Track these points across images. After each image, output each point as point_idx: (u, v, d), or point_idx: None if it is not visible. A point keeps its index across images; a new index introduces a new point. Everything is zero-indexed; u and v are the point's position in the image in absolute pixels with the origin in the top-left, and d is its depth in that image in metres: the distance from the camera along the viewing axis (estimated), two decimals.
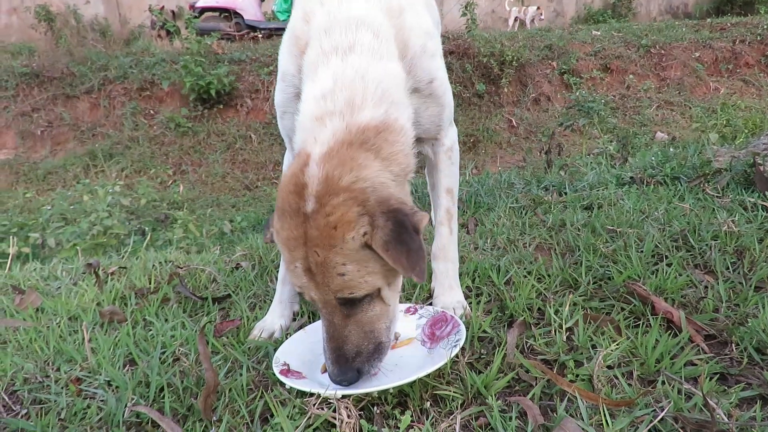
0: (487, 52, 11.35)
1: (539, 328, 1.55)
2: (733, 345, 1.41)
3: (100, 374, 1.50)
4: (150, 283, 2.25)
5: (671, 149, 3.62)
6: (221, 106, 10.66)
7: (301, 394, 1.30)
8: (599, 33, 13.50)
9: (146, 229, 6.07)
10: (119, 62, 11.20)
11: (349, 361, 1.27)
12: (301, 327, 1.67)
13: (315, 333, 1.58)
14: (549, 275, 1.89)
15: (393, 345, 1.50)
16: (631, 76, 11.99)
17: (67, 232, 4.73)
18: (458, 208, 2.84)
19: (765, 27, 12.94)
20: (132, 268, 2.47)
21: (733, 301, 1.62)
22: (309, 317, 1.80)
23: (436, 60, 1.61)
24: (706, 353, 1.38)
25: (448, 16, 13.30)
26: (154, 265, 2.46)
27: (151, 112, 10.65)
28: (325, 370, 1.44)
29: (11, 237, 4.28)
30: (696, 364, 1.33)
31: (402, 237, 1.19)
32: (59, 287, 2.29)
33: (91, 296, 2.08)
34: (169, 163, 9.72)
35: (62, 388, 1.47)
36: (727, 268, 1.82)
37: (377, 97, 1.34)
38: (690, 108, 11.16)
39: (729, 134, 7.27)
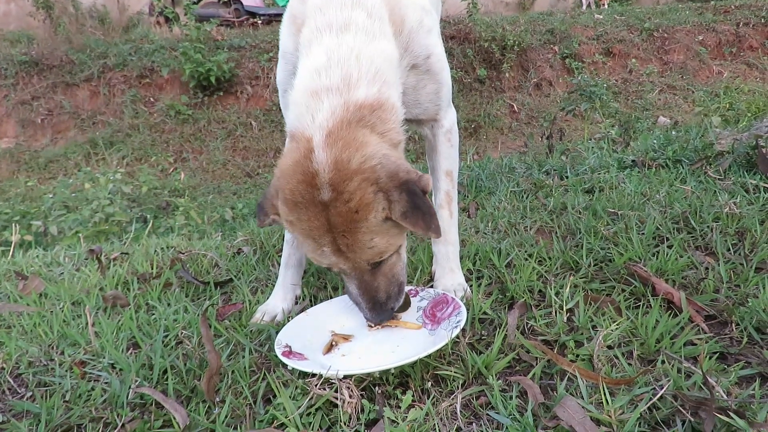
0: (489, 37, 11.27)
1: (540, 309, 1.55)
2: (733, 325, 1.41)
3: (104, 357, 1.51)
4: (152, 269, 2.26)
5: (673, 132, 3.60)
6: (221, 93, 10.62)
7: (303, 375, 1.31)
8: (601, 17, 13.37)
9: (148, 216, 6.09)
10: (118, 50, 11.15)
11: (383, 305, 1.43)
12: (303, 310, 1.68)
13: (317, 316, 1.60)
14: (550, 258, 1.89)
15: (396, 322, 1.53)
16: (633, 60, 11.90)
17: (69, 220, 4.74)
18: (459, 193, 2.85)
19: None
20: (134, 253, 2.48)
21: (733, 282, 1.62)
22: (311, 300, 1.80)
23: (432, 36, 1.61)
24: (706, 333, 1.38)
25: (449, 0, 13.17)
26: (156, 251, 2.47)
27: (151, 99, 10.63)
28: (327, 352, 1.45)
29: (14, 225, 4.30)
30: (696, 344, 1.33)
31: (416, 204, 1.26)
32: (62, 273, 2.30)
33: (94, 281, 2.09)
34: (169, 151, 9.71)
35: (66, 371, 1.48)
36: (728, 250, 1.82)
37: (371, 75, 1.36)
38: (693, 92, 11.09)
39: (732, 118, 7.22)
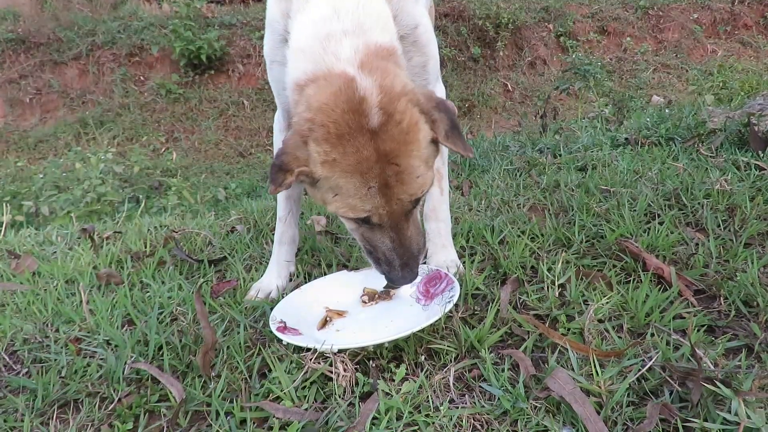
0: (483, 15, 11.15)
1: (532, 284, 1.57)
2: (722, 299, 1.43)
3: (99, 334, 1.52)
4: (145, 247, 2.26)
5: (667, 111, 3.61)
6: (212, 72, 10.48)
7: (298, 349, 1.33)
8: None
9: (140, 196, 6.06)
10: (107, 27, 10.94)
11: (416, 257, 1.37)
12: (297, 287, 1.69)
13: (311, 292, 1.61)
14: (542, 234, 1.91)
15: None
16: (628, 38, 11.83)
17: (61, 200, 4.71)
18: (452, 171, 2.85)
19: None
20: (127, 232, 2.48)
21: (722, 257, 1.64)
22: (305, 277, 1.81)
23: (419, 6, 1.57)
24: (695, 307, 1.40)
25: None
26: (149, 230, 2.47)
27: (141, 78, 10.47)
28: (321, 327, 1.46)
29: (4, 205, 4.26)
30: (684, 317, 1.36)
31: (455, 123, 1.27)
32: (55, 252, 2.29)
33: (87, 260, 2.09)
34: (161, 131, 9.61)
35: (62, 347, 1.49)
36: (718, 226, 1.84)
37: (381, 24, 1.35)
38: (687, 71, 11.06)
39: (725, 96, 7.22)
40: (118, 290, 1.78)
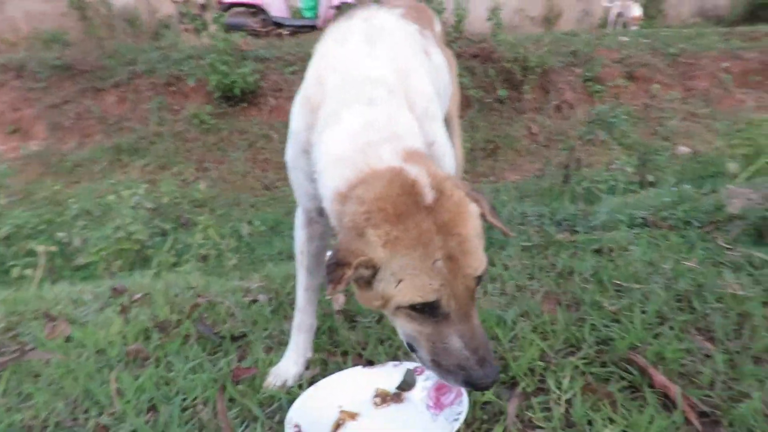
0: (511, 57, 11.28)
1: (539, 396, 1.61)
2: (725, 427, 1.46)
3: (125, 422, 1.61)
4: (172, 313, 2.36)
5: (687, 186, 3.62)
6: (245, 105, 10.79)
7: None
8: (627, 39, 13.30)
9: (167, 227, 6.27)
10: (148, 56, 11.40)
11: (489, 350, 1.31)
12: (313, 378, 1.76)
13: (326, 389, 1.68)
14: (554, 332, 1.95)
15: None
16: (656, 85, 11.81)
17: (94, 238, 4.92)
18: None
19: None
20: (155, 294, 2.59)
21: (729, 375, 1.66)
22: (322, 364, 1.89)
23: (436, 122, 1.69)
24: None
25: (472, 14, 13.21)
26: (176, 294, 2.58)
27: (176, 107, 10.83)
28: (334, 430, 1.53)
29: (41, 254, 4.53)
30: None
31: (493, 205, 1.41)
32: (86, 314, 2.42)
33: (117, 329, 2.20)
34: (192, 160, 9.88)
35: None
36: (727, 335, 1.86)
37: (412, 134, 1.48)
38: (715, 120, 10.96)
39: (751, 153, 7.13)
40: (144, 370, 1.88)
